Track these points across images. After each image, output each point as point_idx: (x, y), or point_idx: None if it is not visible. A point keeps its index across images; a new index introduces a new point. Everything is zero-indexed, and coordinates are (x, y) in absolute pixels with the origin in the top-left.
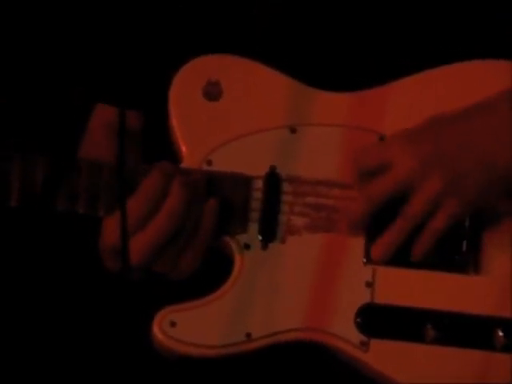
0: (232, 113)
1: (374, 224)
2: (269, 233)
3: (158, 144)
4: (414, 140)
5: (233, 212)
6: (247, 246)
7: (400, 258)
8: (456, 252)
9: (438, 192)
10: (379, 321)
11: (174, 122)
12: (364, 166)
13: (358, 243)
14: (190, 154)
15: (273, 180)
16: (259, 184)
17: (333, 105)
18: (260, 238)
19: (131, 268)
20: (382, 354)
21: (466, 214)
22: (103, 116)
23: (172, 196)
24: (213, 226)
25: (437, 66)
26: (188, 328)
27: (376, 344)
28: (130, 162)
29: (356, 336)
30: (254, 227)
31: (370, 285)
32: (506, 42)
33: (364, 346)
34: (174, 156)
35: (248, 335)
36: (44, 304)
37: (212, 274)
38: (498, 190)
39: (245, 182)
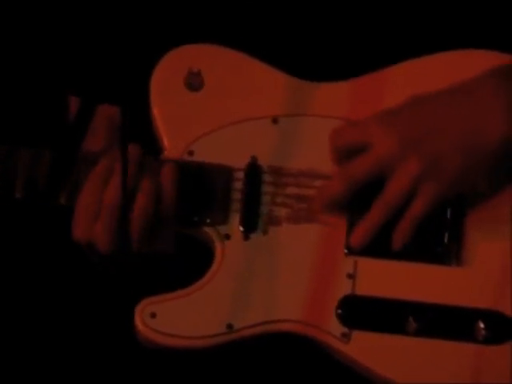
0: (214, 103)
1: (356, 215)
2: (250, 224)
3: (140, 135)
4: (393, 120)
5: (214, 202)
6: (228, 237)
7: (382, 249)
8: (438, 243)
9: (417, 175)
10: (360, 312)
11: (156, 112)
12: (342, 145)
13: (339, 234)
14: (171, 144)
15: (254, 171)
16: (240, 175)
17: (317, 95)
18: (241, 228)
19: (109, 256)
20: (363, 346)
21: (445, 198)
22: (104, 114)
23: (115, 174)
24: (174, 189)
25: (431, 53)
26: (168, 319)
27: (357, 336)
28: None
29: (337, 328)
30: (235, 218)
31: (351, 276)
32: (499, 31)
33: (345, 337)
34: (155, 147)
35: (230, 326)
36: (28, 297)
37: (193, 265)
38: (479, 172)
39: (226, 172)
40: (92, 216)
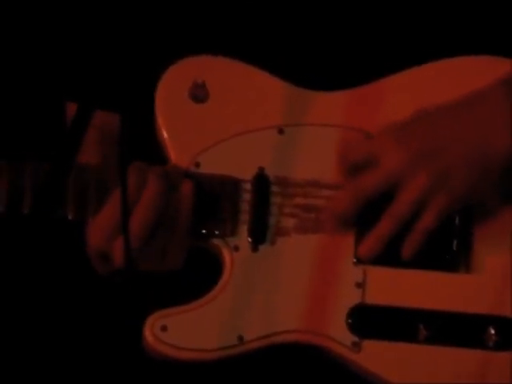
0: (219, 114)
1: (364, 225)
2: (258, 235)
3: (146, 147)
4: (401, 135)
5: (222, 214)
6: (237, 249)
7: (391, 257)
8: (447, 251)
9: (426, 188)
10: (371, 321)
11: (161, 124)
12: (351, 160)
13: (348, 244)
14: (177, 156)
15: (261, 182)
16: (248, 186)
17: (322, 104)
18: (250, 240)
19: (122, 270)
20: (374, 355)
21: (454, 210)
22: (94, 121)
23: (148, 188)
24: (191, 209)
25: (429, 62)
26: (179, 332)
27: (368, 345)
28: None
29: (348, 337)
30: (243, 229)
31: (360, 285)
32: (500, 38)
33: (356, 346)
34: (161, 159)
35: (240, 338)
36: (37, 308)
37: (203, 277)
38: (488, 184)
39: (233, 184)
40: (115, 230)
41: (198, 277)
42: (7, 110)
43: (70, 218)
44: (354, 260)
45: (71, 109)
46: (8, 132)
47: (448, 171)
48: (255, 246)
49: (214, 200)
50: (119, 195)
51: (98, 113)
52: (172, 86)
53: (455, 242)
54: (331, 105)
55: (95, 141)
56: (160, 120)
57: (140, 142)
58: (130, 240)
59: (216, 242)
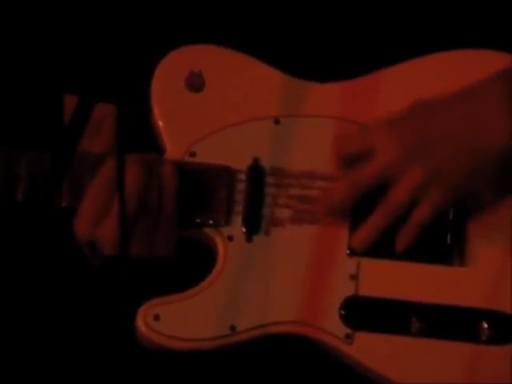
0: (215, 104)
1: (359, 216)
2: (253, 225)
3: (140, 136)
4: (397, 127)
5: (216, 204)
6: (231, 239)
7: (385, 249)
8: (441, 244)
9: (420, 181)
10: (364, 313)
11: (157, 113)
12: (347, 152)
13: (341, 235)
14: (172, 145)
15: (256, 172)
16: (243, 176)
17: (318, 95)
18: (244, 230)
19: (111, 258)
20: (366, 347)
21: (449, 203)
22: (108, 112)
23: (128, 175)
24: (174, 192)
25: (424, 54)
26: (172, 321)
27: (361, 337)
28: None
29: (341, 329)
30: (237, 219)
31: (354, 277)
32: (498, 31)
33: (349, 338)
34: (157, 148)
35: (232, 328)
36: (29, 296)
37: (196, 267)
38: (482, 178)
39: (228, 173)
40: (98, 217)
41: (191, 266)
42: (6, 102)
43: (63, 205)
44: (348, 252)
45: (69, 101)
46: (6, 124)
47: (442, 164)
48: (249, 237)
49: (208, 189)
50: (97, 182)
51: (105, 104)
52: (168, 74)
53: (449, 235)
54: (328, 96)
55: (109, 129)
56: (156, 109)
57: (136, 132)
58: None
59: (210, 231)
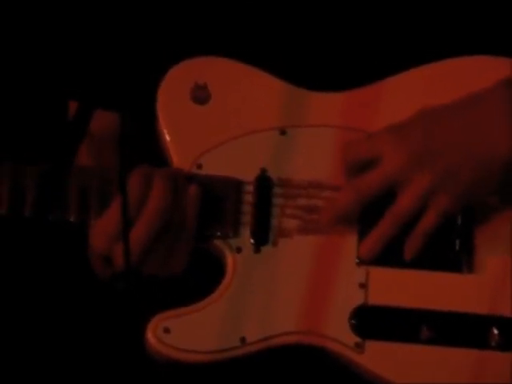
0: (221, 116)
1: (367, 225)
2: (261, 236)
3: (147, 148)
4: (403, 134)
5: (224, 216)
6: (239, 250)
7: (393, 258)
8: (449, 251)
9: (427, 189)
10: (373, 322)
11: (163, 126)
12: (353, 159)
13: (350, 244)
14: (179, 158)
15: (263, 183)
16: (250, 187)
17: (323, 105)
18: (252, 241)
19: (123, 274)
20: (377, 356)
21: (456, 210)
22: (101, 122)
23: (155, 190)
24: (197, 212)
25: (427, 63)
26: (182, 334)
27: (371, 345)
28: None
29: (351, 338)
30: (245, 231)
31: (363, 286)
32: (499, 38)
33: (359, 347)
34: (163, 160)
35: (242, 339)
36: (38, 311)
37: (205, 279)
38: (488, 184)
39: (235, 185)
40: (118, 233)
41: (200, 278)
42: (11, 110)
43: (71, 220)
44: (357, 260)
45: (74, 108)
46: (12, 132)
47: (449, 172)
48: (257, 248)
49: (216, 201)
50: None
51: (100, 114)
52: (173, 87)
53: (458, 242)
54: (332, 105)
55: (103, 143)
56: (161, 122)
57: (141, 144)
58: (129, 244)
59: (218, 243)
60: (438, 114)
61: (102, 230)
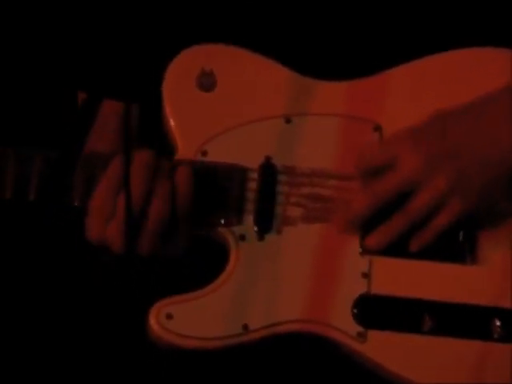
0: (227, 103)
1: (371, 216)
2: (265, 224)
3: (152, 136)
4: (419, 138)
5: (228, 203)
6: (243, 238)
7: (397, 248)
8: (453, 242)
9: (443, 191)
10: (376, 311)
11: (168, 112)
12: (368, 164)
13: (353, 234)
14: (184, 144)
15: (268, 170)
16: (254, 174)
17: (328, 94)
18: (256, 229)
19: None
20: (379, 345)
21: (467, 213)
22: (108, 110)
23: (133, 176)
24: (190, 192)
25: (433, 53)
26: (185, 320)
27: (373, 335)
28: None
29: (353, 327)
30: (249, 218)
31: (366, 275)
32: (504, 29)
33: (361, 337)
34: (168, 147)
35: (245, 327)
36: (41, 297)
37: (208, 266)
38: (499, 189)
39: (240, 172)
40: (106, 218)
41: (203, 265)
42: (20, 99)
43: (75, 204)
44: (360, 250)
45: (83, 98)
46: (21, 120)
47: (466, 175)
48: (261, 235)
49: (220, 188)
50: (105, 180)
51: (115, 103)
52: (180, 74)
53: (461, 234)
54: (338, 95)
55: (114, 129)
56: (167, 108)
57: (147, 131)
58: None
59: (222, 230)
60: (452, 117)
61: (91, 218)
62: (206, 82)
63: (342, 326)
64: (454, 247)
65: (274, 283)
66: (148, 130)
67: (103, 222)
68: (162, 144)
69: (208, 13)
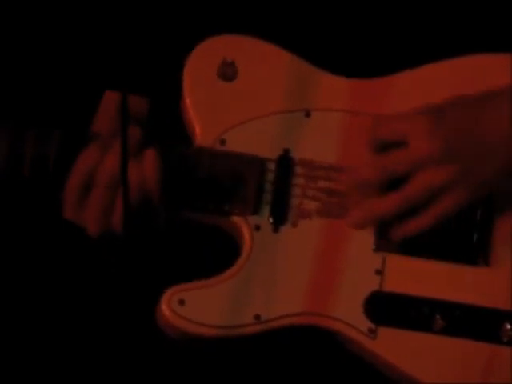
0: (247, 94)
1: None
2: (280, 215)
3: (169, 127)
4: (438, 121)
5: (245, 192)
6: (258, 228)
7: (411, 246)
8: (466, 244)
9: (450, 179)
10: (388, 309)
11: (188, 101)
12: (384, 136)
13: (367, 230)
14: (203, 133)
15: (286, 163)
16: (272, 166)
17: (349, 91)
18: (271, 220)
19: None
20: (389, 343)
21: (471, 201)
22: (110, 100)
23: (104, 162)
24: (157, 175)
25: (437, 60)
26: (197, 307)
27: (384, 332)
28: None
29: (364, 323)
30: (265, 209)
31: (379, 272)
32: (507, 35)
33: (372, 333)
34: (185, 139)
35: (257, 317)
36: (46, 289)
37: (221, 254)
38: (504, 176)
39: (258, 163)
40: (77, 199)
41: (217, 253)
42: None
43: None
44: (374, 247)
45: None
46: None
47: (475, 163)
48: (276, 227)
49: (237, 178)
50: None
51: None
52: (201, 63)
53: (475, 236)
54: (360, 92)
55: (111, 121)
56: (187, 96)
57: (166, 119)
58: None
59: (237, 220)
60: (469, 103)
61: (66, 199)
62: (227, 71)
63: (353, 321)
64: (468, 249)
65: (287, 275)
66: (159, 123)
67: (77, 204)
68: (172, 136)
69: (230, 4)
